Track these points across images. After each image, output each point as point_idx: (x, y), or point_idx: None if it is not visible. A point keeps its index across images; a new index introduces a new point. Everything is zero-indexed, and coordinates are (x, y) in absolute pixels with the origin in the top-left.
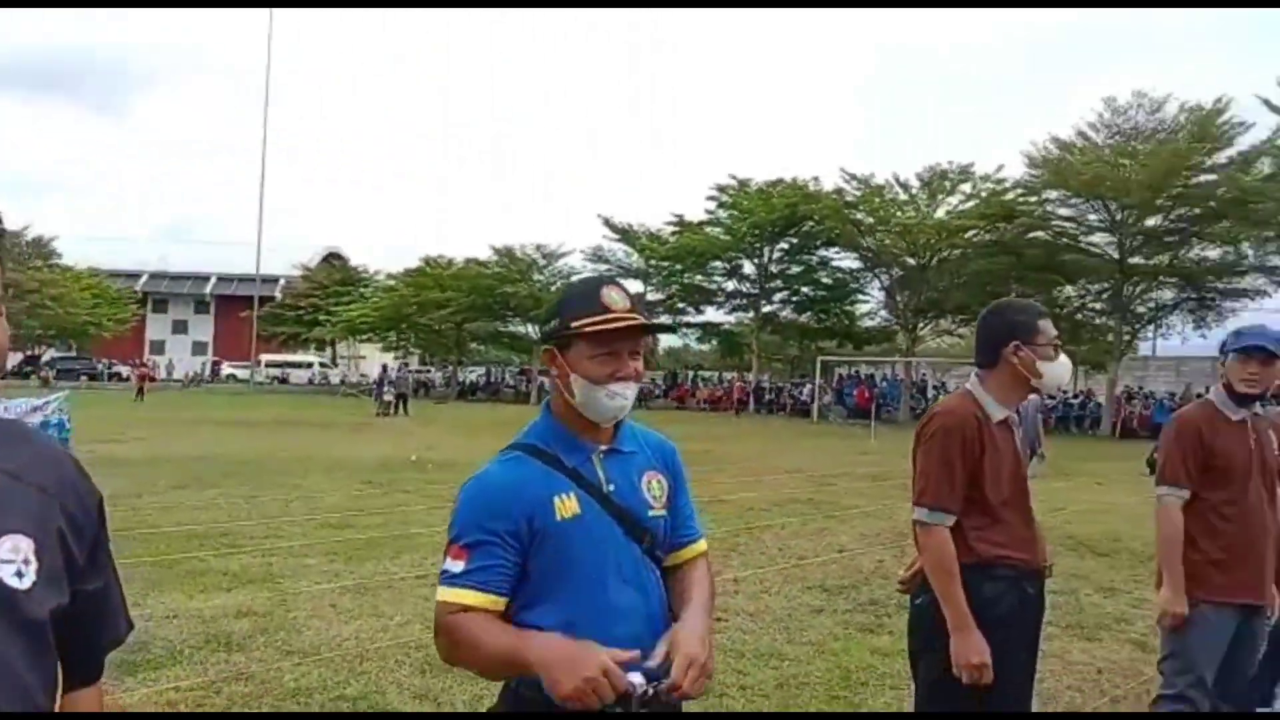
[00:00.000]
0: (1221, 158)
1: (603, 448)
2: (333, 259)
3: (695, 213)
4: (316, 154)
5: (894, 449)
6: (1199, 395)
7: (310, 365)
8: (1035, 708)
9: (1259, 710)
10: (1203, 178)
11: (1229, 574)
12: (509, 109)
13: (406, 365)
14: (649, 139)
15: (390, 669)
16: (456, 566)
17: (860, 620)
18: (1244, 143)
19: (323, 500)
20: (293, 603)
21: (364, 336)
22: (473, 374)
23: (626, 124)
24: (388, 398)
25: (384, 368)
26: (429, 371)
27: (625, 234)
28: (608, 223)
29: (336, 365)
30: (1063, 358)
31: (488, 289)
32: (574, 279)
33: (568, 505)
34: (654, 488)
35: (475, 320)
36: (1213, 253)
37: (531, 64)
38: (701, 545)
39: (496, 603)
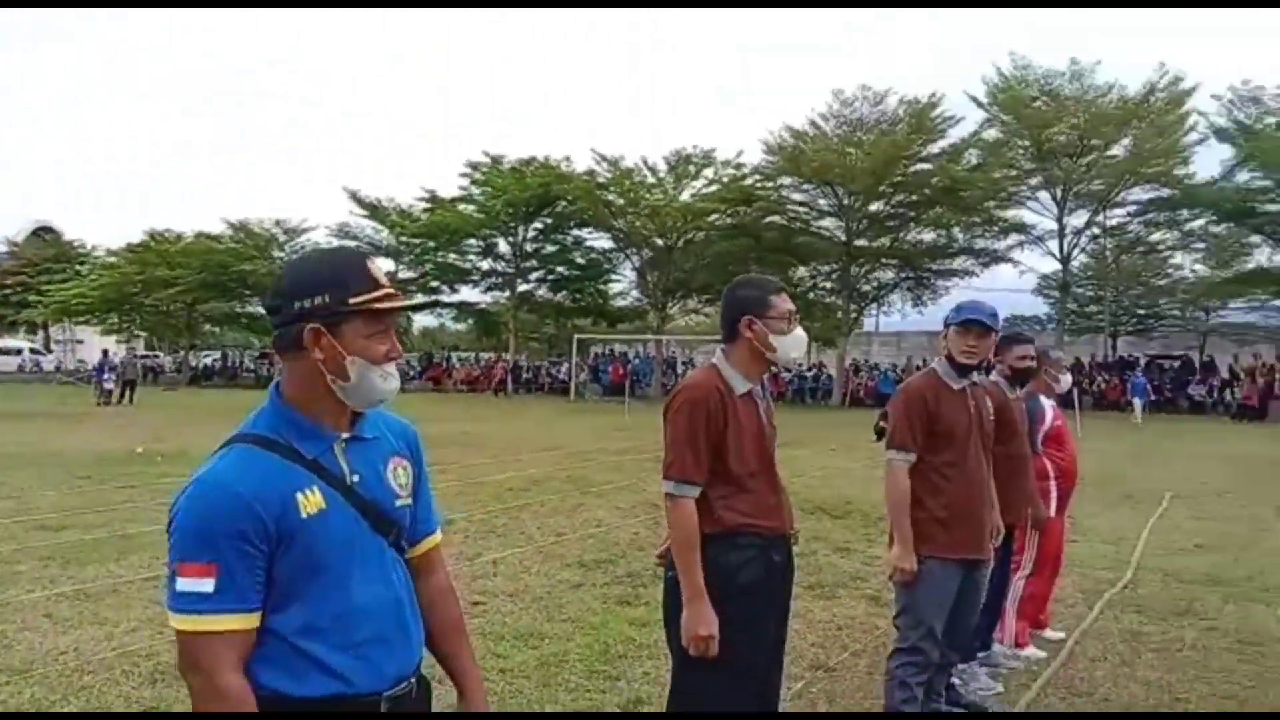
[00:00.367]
0: (935, 149)
1: (344, 435)
2: (43, 233)
3: (448, 189)
4: (21, 116)
5: (647, 424)
6: (919, 367)
7: (19, 351)
8: (785, 669)
9: (978, 655)
10: (919, 167)
11: (952, 531)
12: (242, 72)
13: (132, 350)
14: (399, 111)
15: (116, 681)
16: (203, 586)
17: (618, 593)
18: (954, 135)
19: (35, 499)
20: (0, 615)
21: (82, 319)
22: (207, 358)
23: (375, 94)
24: (109, 385)
25: (105, 353)
26: (157, 356)
27: (374, 210)
28: (355, 197)
29: (50, 351)
30: (797, 331)
31: (222, 266)
32: (319, 251)
33: (311, 501)
34: (399, 475)
35: (208, 300)
36: (928, 236)
37: (273, 26)
38: (439, 536)
39: (252, 620)
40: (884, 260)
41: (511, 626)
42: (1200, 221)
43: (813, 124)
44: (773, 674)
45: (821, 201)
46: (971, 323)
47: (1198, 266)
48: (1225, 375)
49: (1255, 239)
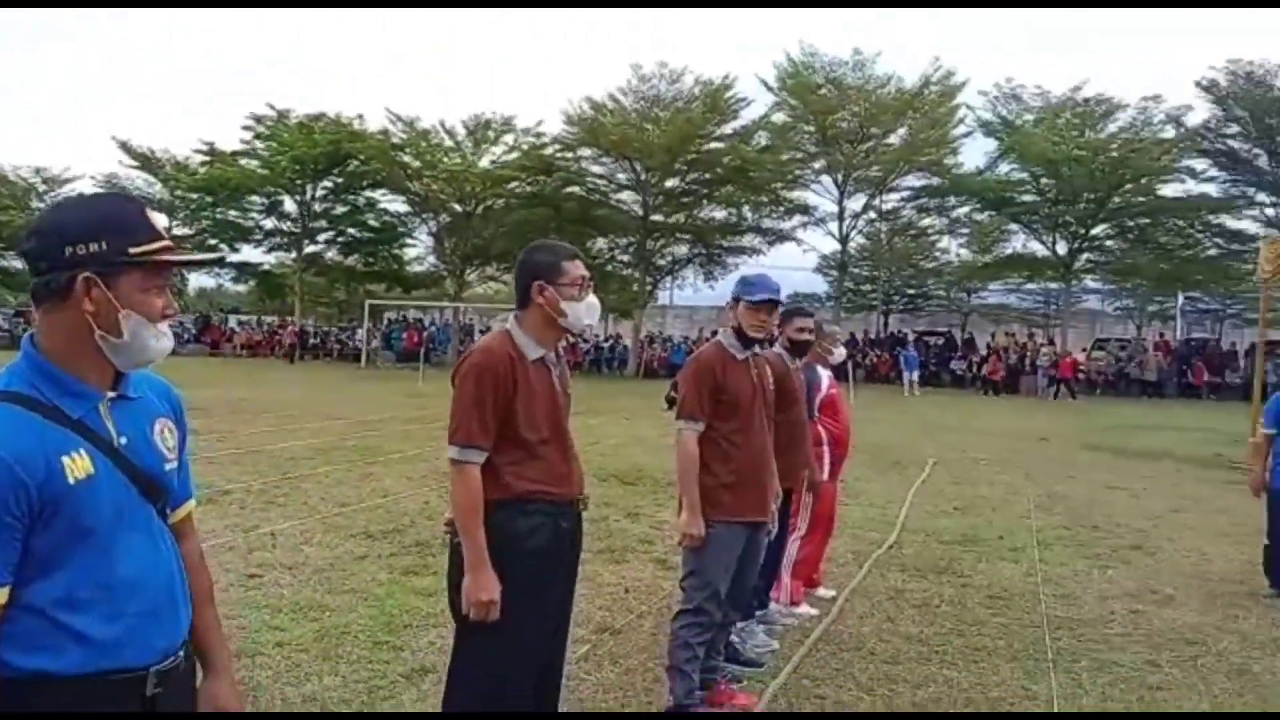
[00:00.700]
0: (728, 129)
1: (110, 394)
2: None
3: (229, 142)
4: None
5: (441, 391)
6: (709, 339)
7: None
8: (570, 633)
9: (756, 614)
10: (712, 146)
11: (738, 495)
12: None
13: None
14: (173, 57)
15: None
16: None
17: (405, 563)
18: (746, 117)
19: None
20: None
21: None
22: None
23: (149, 37)
24: None
25: None
26: None
27: (146, 160)
28: (125, 147)
29: None
30: (590, 298)
31: None
32: (92, 195)
33: (79, 465)
34: (166, 438)
35: None
36: (719, 214)
37: None
38: (192, 504)
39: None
40: (678, 235)
41: (290, 599)
42: (965, 209)
43: (612, 97)
44: (557, 639)
45: (620, 175)
46: (766, 301)
47: (962, 251)
48: (983, 352)
49: (1013, 227)
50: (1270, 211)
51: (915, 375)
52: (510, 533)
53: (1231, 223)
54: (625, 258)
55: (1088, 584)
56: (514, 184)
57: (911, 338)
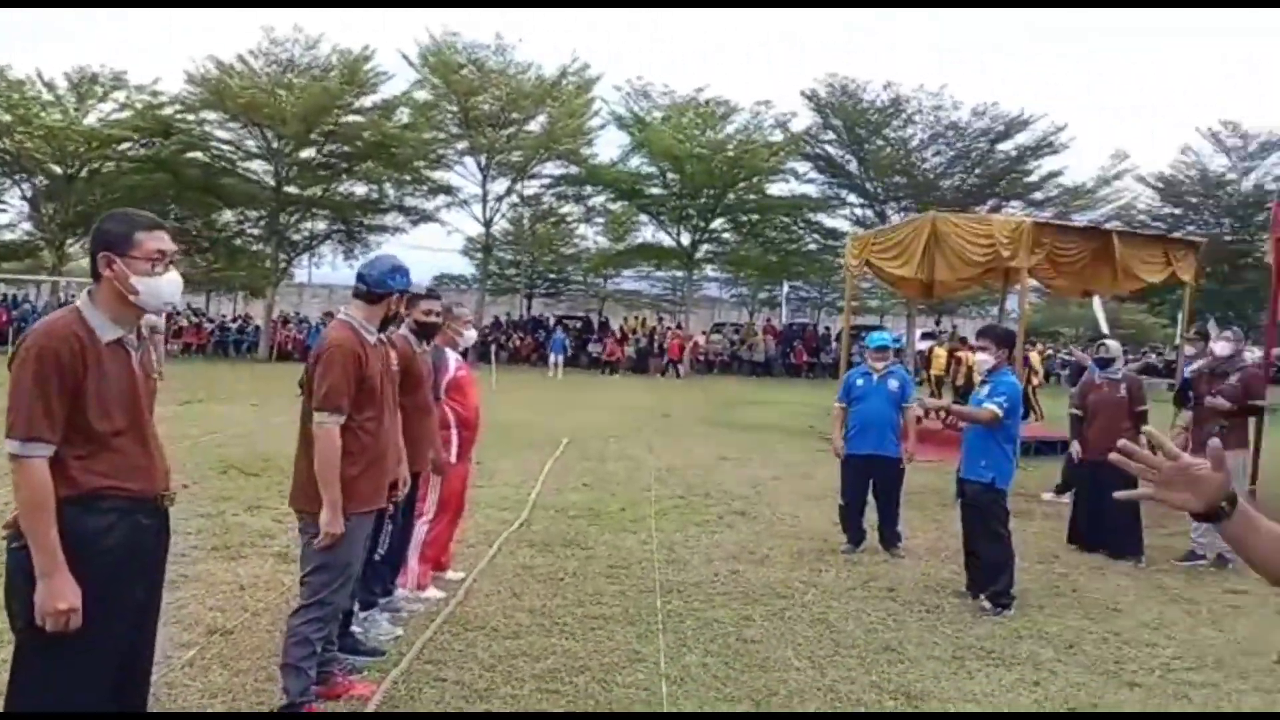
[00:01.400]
0: (368, 102)
1: None
2: None
3: None
4: None
5: None
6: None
7: None
8: (165, 637)
9: (380, 601)
10: (352, 118)
11: (369, 484)
12: None
13: None
14: None
15: None
16: None
17: None
18: (387, 91)
19: None
20: None
21: None
22: None
23: None
24: None
25: None
26: None
27: None
28: None
29: None
30: (170, 274)
31: None
32: None
33: None
34: None
35: None
36: (360, 189)
37: None
38: None
39: None
40: (315, 210)
41: None
42: (601, 198)
43: (241, 59)
44: (137, 647)
45: (250, 142)
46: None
47: (599, 238)
48: (618, 335)
49: (643, 217)
50: (859, 211)
51: (560, 358)
52: (80, 532)
53: (828, 220)
54: (256, 231)
55: (696, 549)
56: (126, 145)
57: (553, 321)
